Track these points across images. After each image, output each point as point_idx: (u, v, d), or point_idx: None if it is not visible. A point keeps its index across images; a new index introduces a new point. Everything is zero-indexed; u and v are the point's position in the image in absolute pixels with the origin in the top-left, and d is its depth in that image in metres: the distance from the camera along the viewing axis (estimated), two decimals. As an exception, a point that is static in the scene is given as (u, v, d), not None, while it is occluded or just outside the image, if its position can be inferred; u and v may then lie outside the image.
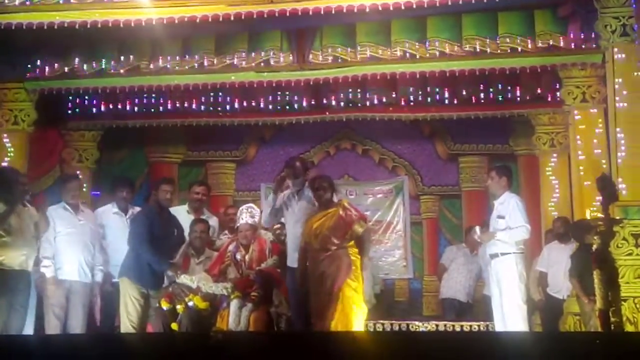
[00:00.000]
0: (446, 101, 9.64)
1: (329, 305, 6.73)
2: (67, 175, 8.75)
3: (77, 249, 7.45)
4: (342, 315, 6.70)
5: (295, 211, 7.26)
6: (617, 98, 7.45)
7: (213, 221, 8.28)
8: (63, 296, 7.38)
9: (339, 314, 6.70)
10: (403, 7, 7.71)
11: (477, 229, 7.81)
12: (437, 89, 9.50)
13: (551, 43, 8.27)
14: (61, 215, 7.48)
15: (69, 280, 7.43)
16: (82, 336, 7.21)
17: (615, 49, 7.54)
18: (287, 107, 9.98)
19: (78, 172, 9.91)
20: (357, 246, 6.94)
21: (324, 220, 6.92)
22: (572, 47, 8.26)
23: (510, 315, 7.24)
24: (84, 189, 10.05)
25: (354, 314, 6.75)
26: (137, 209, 8.06)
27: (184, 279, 7.18)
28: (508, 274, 7.30)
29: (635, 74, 7.32)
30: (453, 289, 9.89)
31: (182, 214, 8.05)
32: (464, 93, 9.47)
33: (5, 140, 9.05)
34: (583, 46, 8.22)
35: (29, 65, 9.15)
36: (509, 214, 7.36)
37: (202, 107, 10.02)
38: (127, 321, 7.29)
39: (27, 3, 8.14)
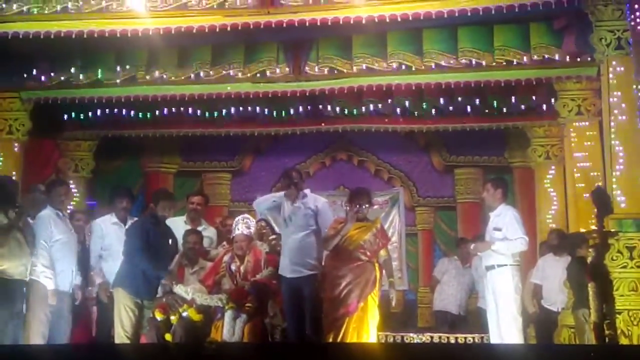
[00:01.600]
0: (442, 113, 9.67)
1: (351, 315, 6.85)
2: (57, 180, 8.51)
3: (71, 257, 7.37)
4: (365, 326, 6.89)
5: (292, 221, 7.22)
6: (614, 111, 7.46)
7: (210, 232, 8.24)
8: (54, 306, 7.20)
9: (361, 325, 6.88)
10: (399, 19, 7.74)
11: (471, 244, 7.81)
12: (433, 101, 9.52)
13: (546, 56, 8.29)
14: (56, 222, 7.31)
15: (61, 290, 7.29)
16: (76, 346, 7.18)
17: (610, 62, 7.56)
18: (283, 118, 10.00)
19: (71, 181, 9.92)
20: (380, 266, 7.17)
21: (360, 232, 7.09)
22: (567, 60, 8.28)
23: (506, 327, 7.21)
24: (77, 199, 10.10)
25: (373, 324, 6.96)
26: (136, 219, 8.04)
27: (179, 289, 7.16)
28: (504, 286, 7.27)
29: (631, 87, 7.33)
30: (445, 302, 9.91)
31: (180, 224, 8.03)
32: (460, 105, 9.49)
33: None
34: (578, 59, 8.24)
35: (25, 75, 9.13)
36: (506, 226, 7.33)
37: (198, 117, 10.02)
38: (121, 331, 7.24)
39: (24, 12, 8.14)
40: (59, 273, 7.26)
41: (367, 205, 7.16)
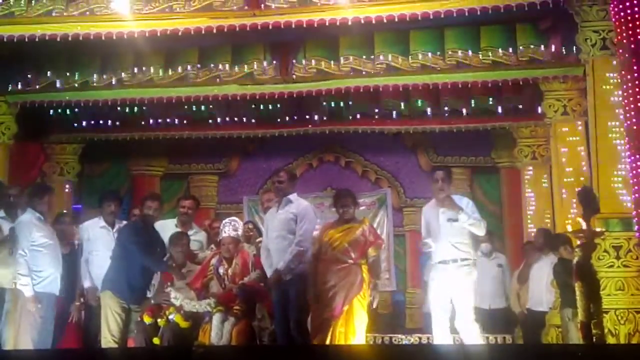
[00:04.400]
0: (429, 114, 9.69)
1: (337, 318, 6.77)
2: (42, 185, 8.51)
3: (57, 261, 7.29)
4: (351, 328, 6.79)
5: (275, 224, 7.17)
6: (596, 111, 7.50)
7: (201, 236, 8.20)
8: (45, 309, 7.12)
9: (347, 327, 6.78)
10: (385, 21, 7.76)
11: (429, 241, 7.11)
12: (420, 102, 9.54)
13: (533, 56, 8.34)
14: (38, 226, 7.22)
15: (50, 294, 7.21)
16: (63, 351, 7.15)
17: (595, 63, 7.59)
18: (270, 120, 9.99)
19: (67, 185, 9.96)
20: (369, 267, 7.00)
21: (345, 234, 6.98)
22: (554, 60, 8.33)
23: (468, 326, 6.81)
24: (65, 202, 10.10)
25: (360, 327, 6.84)
26: (124, 222, 8.01)
27: (170, 292, 7.16)
28: (468, 281, 6.85)
29: (614, 87, 7.36)
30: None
31: (171, 227, 7.99)
32: (447, 106, 9.52)
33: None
34: (564, 59, 8.29)
35: (11, 78, 9.10)
36: (465, 213, 6.84)
37: (185, 120, 10.01)
38: (109, 335, 7.21)
39: (8, 16, 8.09)
40: (47, 277, 7.18)
41: (351, 206, 7.07)
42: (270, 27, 7.87)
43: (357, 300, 6.85)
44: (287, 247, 7.02)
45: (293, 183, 7.44)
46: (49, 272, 7.18)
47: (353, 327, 6.79)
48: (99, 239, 7.82)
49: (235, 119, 10.03)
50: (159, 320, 7.10)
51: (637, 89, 6.75)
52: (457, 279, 6.84)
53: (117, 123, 10.02)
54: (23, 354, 6.47)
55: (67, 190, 10.15)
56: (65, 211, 9.24)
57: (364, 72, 8.66)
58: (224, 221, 7.62)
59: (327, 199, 9.96)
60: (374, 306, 6.99)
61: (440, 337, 6.88)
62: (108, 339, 7.21)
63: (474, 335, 6.81)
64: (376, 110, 9.73)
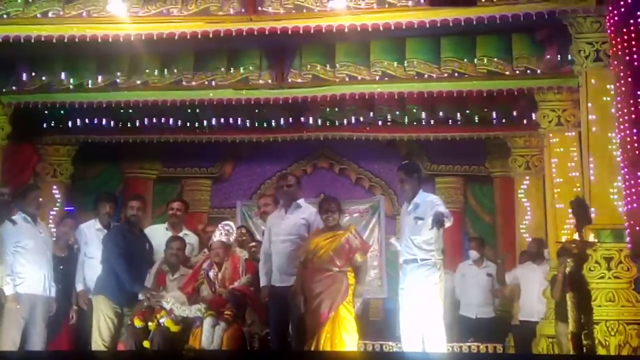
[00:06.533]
0: (423, 122, 9.71)
1: (323, 325, 6.71)
2: (27, 185, 8.54)
3: (41, 262, 7.23)
4: (337, 335, 6.71)
5: (282, 228, 7.17)
6: (589, 122, 7.52)
7: (191, 239, 8.19)
8: (27, 311, 7.09)
9: (333, 334, 6.71)
10: (381, 28, 7.76)
11: (393, 240, 7.18)
12: (415, 110, 9.55)
13: (528, 66, 8.36)
14: (22, 227, 7.21)
15: (33, 295, 7.14)
16: (52, 353, 7.11)
17: (589, 74, 7.61)
18: (265, 125, 9.99)
19: (55, 186, 9.94)
20: (354, 273, 6.92)
21: (330, 242, 6.89)
22: (549, 71, 8.36)
23: (434, 328, 6.64)
24: (58, 204, 10.09)
25: (347, 334, 6.75)
26: (113, 226, 7.99)
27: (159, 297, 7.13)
28: (428, 283, 6.64)
29: (607, 99, 7.38)
30: None
31: (161, 231, 7.98)
32: (441, 114, 9.54)
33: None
34: (559, 70, 8.31)
35: (6, 79, 9.08)
36: (433, 210, 6.59)
37: (179, 124, 10.00)
38: (99, 340, 7.19)
39: (4, 17, 8.07)
40: (27, 278, 7.13)
41: (335, 212, 6.95)
42: (267, 32, 7.86)
43: (343, 306, 6.76)
44: (293, 252, 7.03)
45: (299, 187, 7.47)
46: (30, 274, 7.13)
47: (339, 334, 6.70)
48: (95, 242, 7.78)
49: (230, 123, 10.03)
50: (149, 323, 7.07)
51: (632, 101, 6.77)
52: (417, 281, 6.69)
53: (112, 125, 10.01)
54: (9, 356, 6.43)
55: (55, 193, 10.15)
56: (65, 214, 9.24)
57: (359, 79, 8.66)
58: (219, 225, 7.60)
59: (320, 205, 9.93)
60: (355, 311, 6.86)
61: (408, 343, 6.73)
62: (99, 344, 7.19)
63: (437, 344, 6.61)
64: (371, 118, 9.75)
